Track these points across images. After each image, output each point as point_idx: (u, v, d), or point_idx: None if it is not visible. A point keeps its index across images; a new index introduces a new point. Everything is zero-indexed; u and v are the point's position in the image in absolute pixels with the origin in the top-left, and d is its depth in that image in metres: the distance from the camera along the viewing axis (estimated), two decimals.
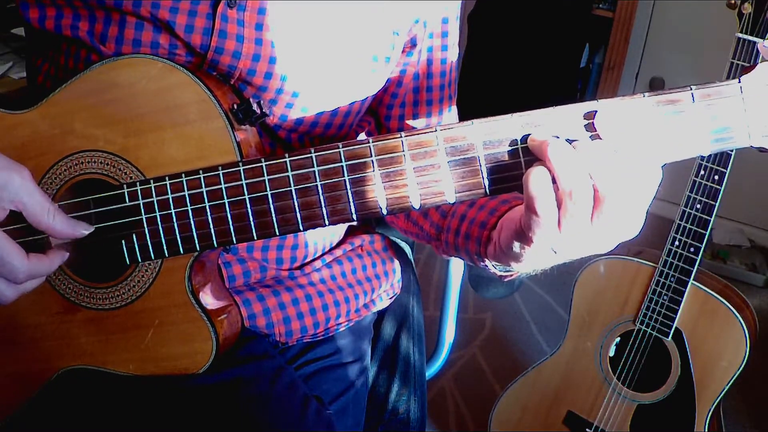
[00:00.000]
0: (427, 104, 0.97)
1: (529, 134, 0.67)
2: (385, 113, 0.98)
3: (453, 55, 0.97)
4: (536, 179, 0.64)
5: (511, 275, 0.85)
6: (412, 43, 0.92)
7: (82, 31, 0.83)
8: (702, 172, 1.36)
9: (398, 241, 1.19)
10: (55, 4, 0.84)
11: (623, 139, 0.65)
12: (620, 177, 0.63)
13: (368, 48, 0.88)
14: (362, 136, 1.01)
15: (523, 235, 0.68)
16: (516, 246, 0.72)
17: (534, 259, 0.72)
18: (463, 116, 1.04)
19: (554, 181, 0.64)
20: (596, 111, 0.66)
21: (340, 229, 1.05)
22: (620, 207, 0.64)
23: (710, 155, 1.35)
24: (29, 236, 0.76)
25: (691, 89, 0.65)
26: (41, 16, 0.85)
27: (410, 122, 0.98)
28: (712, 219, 1.39)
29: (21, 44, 1.85)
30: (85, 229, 0.76)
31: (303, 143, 0.91)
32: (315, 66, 0.85)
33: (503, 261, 0.78)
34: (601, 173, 0.63)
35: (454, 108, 1.01)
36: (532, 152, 0.66)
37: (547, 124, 0.67)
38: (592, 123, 0.66)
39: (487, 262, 0.84)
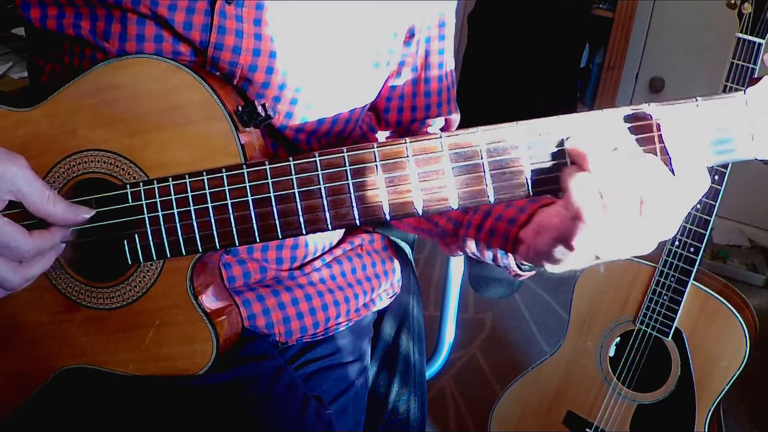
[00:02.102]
0: (425, 95, 0.97)
1: (533, 142, 0.67)
2: (383, 105, 0.98)
3: (450, 45, 0.97)
4: (581, 187, 0.64)
5: (529, 275, 0.86)
6: (411, 33, 0.92)
7: (85, 29, 0.83)
8: None
9: (398, 240, 1.19)
10: (57, 3, 0.84)
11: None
12: (664, 184, 0.63)
13: (369, 42, 0.88)
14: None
15: (566, 241, 0.68)
16: (557, 252, 0.71)
17: (575, 263, 0.71)
18: (464, 116, 1.04)
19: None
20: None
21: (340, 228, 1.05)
22: (665, 212, 0.64)
23: None
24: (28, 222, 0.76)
25: (696, 100, 0.65)
26: (43, 15, 0.85)
27: (409, 114, 0.98)
28: (712, 219, 1.39)
29: (21, 44, 1.85)
30: (86, 213, 0.76)
31: (311, 144, 0.91)
32: (316, 60, 0.86)
33: (536, 262, 0.77)
34: (645, 182, 0.63)
35: (454, 99, 1.01)
36: (572, 157, 0.66)
37: (554, 132, 0.67)
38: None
39: (510, 259, 0.84)
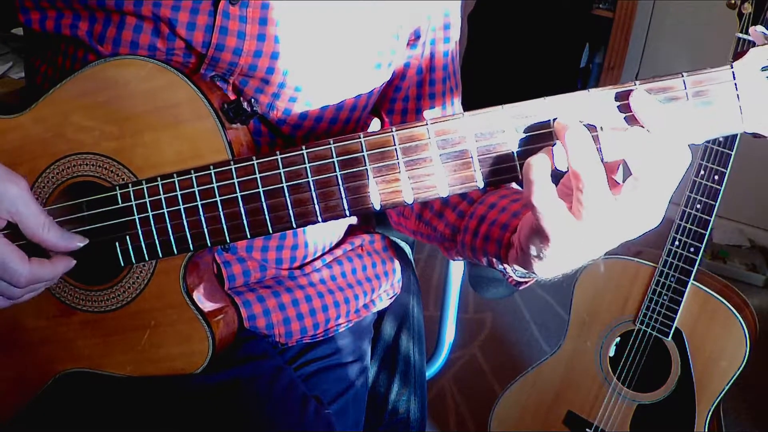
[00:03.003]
0: (430, 98, 0.97)
1: (520, 125, 0.67)
2: (387, 107, 0.98)
3: (455, 46, 0.97)
4: (535, 165, 0.64)
5: (527, 282, 0.84)
6: (416, 35, 0.92)
7: (81, 30, 0.83)
8: (702, 172, 1.36)
9: (398, 241, 1.19)
10: (55, 6, 0.84)
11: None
12: (654, 157, 0.62)
13: (371, 43, 0.88)
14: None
15: (540, 230, 0.66)
16: (535, 244, 0.69)
17: (558, 259, 0.69)
18: None
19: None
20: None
21: (340, 228, 1.05)
22: (649, 189, 0.63)
23: (710, 155, 1.35)
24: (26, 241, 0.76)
25: (682, 76, 0.65)
26: (42, 17, 0.85)
27: (413, 116, 0.97)
28: (712, 219, 1.39)
29: (21, 44, 1.86)
30: (79, 242, 0.76)
31: (308, 141, 0.91)
32: (317, 61, 0.86)
33: (527, 265, 0.74)
34: (635, 154, 0.63)
35: (458, 101, 1.01)
36: (556, 135, 0.65)
37: (540, 114, 0.66)
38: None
39: (506, 266, 0.82)
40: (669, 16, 2.85)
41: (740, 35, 1.28)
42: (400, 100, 0.97)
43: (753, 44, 1.30)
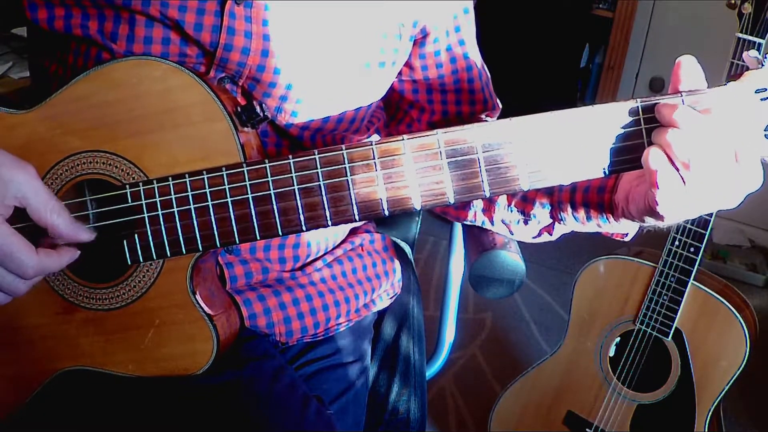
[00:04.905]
0: (470, 92, 1.00)
1: (526, 137, 0.69)
2: (426, 98, 1.00)
3: (472, 46, 1.00)
4: (654, 156, 0.68)
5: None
6: (423, 33, 0.93)
7: (92, 29, 0.83)
8: None
9: (398, 241, 1.20)
10: (64, 3, 0.84)
11: None
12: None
13: (373, 41, 0.89)
14: (375, 137, 1.01)
15: (652, 211, 0.71)
16: (649, 219, 0.76)
17: (674, 220, 0.74)
18: None
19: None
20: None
21: (342, 228, 1.05)
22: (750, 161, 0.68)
23: None
24: (34, 235, 0.76)
25: (681, 95, 0.68)
26: (50, 16, 0.85)
27: (453, 107, 1.00)
28: (712, 219, 1.39)
29: (21, 44, 1.85)
30: (86, 235, 0.76)
31: (315, 142, 0.91)
32: (322, 60, 0.86)
33: (640, 222, 0.81)
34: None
35: (494, 95, 1.04)
36: (661, 117, 0.69)
37: (547, 127, 0.69)
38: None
39: (612, 226, 0.87)
40: (669, 16, 2.85)
41: (740, 35, 1.28)
42: (437, 92, 0.99)
43: (753, 45, 1.31)
